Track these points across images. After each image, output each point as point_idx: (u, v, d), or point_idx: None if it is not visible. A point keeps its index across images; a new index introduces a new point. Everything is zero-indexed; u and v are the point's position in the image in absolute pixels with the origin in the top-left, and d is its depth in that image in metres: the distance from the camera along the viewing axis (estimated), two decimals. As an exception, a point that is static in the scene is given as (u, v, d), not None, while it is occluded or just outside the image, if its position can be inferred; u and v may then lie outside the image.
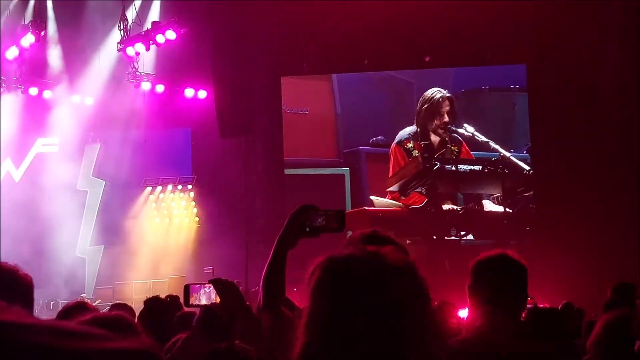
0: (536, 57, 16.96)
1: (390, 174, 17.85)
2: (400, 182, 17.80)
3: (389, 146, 17.99)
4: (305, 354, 1.70)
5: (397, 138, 17.86)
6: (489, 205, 17.60)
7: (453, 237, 17.32)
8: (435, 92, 17.69)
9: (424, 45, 17.02)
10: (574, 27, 16.18)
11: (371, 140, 18.28)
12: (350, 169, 18.42)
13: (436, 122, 17.67)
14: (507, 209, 17.32)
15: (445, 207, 17.61)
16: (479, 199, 17.65)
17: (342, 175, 18.42)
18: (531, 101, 17.31)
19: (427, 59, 17.34)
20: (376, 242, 2.47)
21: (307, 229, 2.83)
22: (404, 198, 17.71)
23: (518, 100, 18.37)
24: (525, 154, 17.80)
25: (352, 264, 1.72)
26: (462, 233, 17.29)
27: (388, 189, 17.83)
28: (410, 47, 16.97)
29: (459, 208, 17.63)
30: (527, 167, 17.46)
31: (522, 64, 17.48)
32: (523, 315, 3.84)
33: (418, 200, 17.60)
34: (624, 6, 15.89)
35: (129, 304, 6.17)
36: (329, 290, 1.70)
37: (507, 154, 17.39)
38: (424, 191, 17.58)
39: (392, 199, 17.82)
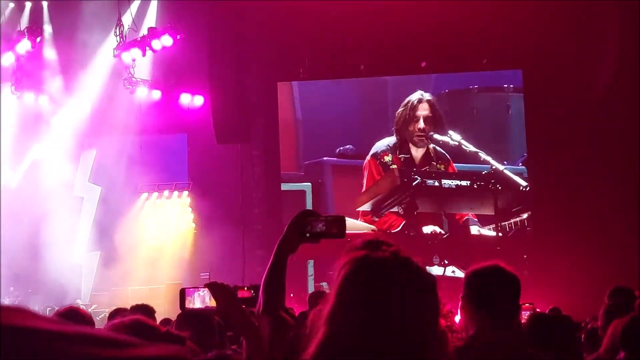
0: (532, 62, 16.95)
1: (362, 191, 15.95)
2: (373, 200, 15.86)
3: (360, 157, 16.20)
4: (325, 343, 1.81)
5: (373, 150, 16.14)
6: (476, 231, 15.84)
7: (436, 267, 15.19)
8: (414, 94, 16.17)
9: (421, 50, 17.00)
10: (571, 32, 16.17)
11: (338, 150, 16.40)
12: (312, 185, 16.48)
13: (411, 128, 15.99)
14: (500, 233, 15.75)
15: (427, 230, 15.75)
16: (466, 224, 15.78)
17: (303, 192, 16.56)
18: (527, 107, 17.20)
19: (424, 64, 17.30)
20: (379, 249, 2.49)
21: (307, 235, 2.86)
22: (377, 219, 15.95)
23: (513, 103, 16.79)
24: (521, 166, 16.15)
25: (385, 263, 1.91)
26: (447, 262, 15.34)
27: (359, 209, 16.00)
28: (406, 53, 16.94)
29: (443, 232, 15.72)
30: (523, 183, 15.86)
31: (518, 69, 17.42)
32: (523, 322, 3.90)
33: (395, 222, 15.88)
34: (621, 11, 15.91)
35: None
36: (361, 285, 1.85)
37: (500, 167, 15.75)
38: (401, 211, 15.78)
39: (365, 221, 15.92)
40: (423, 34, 16.47)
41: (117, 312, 6.11)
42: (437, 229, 15.66)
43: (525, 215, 16.02)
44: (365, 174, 16.06)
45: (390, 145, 16.13)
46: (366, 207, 15.84)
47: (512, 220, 16.31)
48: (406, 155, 16.00)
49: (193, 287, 3.62)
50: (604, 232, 15.58)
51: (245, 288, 3.50)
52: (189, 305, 3.58)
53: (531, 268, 16.20)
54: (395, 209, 15.85)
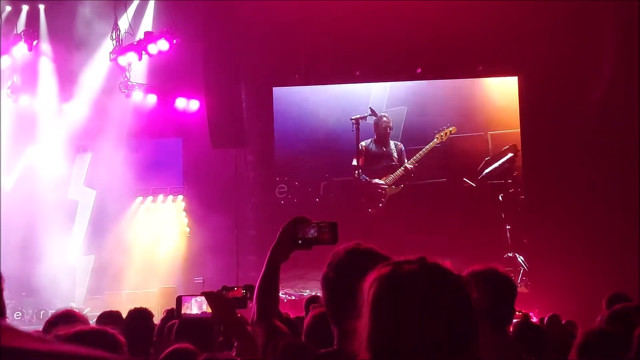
0: (529, 69, 16.99)
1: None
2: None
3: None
4: None
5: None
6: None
7: None
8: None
9: (416, 57, 17.04)
10: (567, 39, 16.21)
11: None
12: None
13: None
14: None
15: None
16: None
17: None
18: (522, 115, 17.25)
19: (419, 70, 17.35)
20: (361, 256, 2.49)
21: (300, 242, 2.84)
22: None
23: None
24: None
25: (416, 277, 1.81)
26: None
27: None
28: (402, 59, 16.99)
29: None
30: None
31: (514, 76, 17.47)
32: (511, 329, 3.91)
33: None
34: (618, 19, 15.95)
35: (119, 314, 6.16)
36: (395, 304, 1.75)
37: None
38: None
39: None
40: (419, 40, 16.50)
41: (106, 315, 6.09)
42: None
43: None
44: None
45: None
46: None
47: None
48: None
49: (190, 295, 3.62)
50: (602, 240, 15.61)
51: (235, 288, 3.51)
52: (185, 311, 3.59)
53: (530, 275, 16.39)
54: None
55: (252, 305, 2.90)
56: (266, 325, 2.76)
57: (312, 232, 2.83)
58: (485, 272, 3.25)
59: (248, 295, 3.47)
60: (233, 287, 3.53)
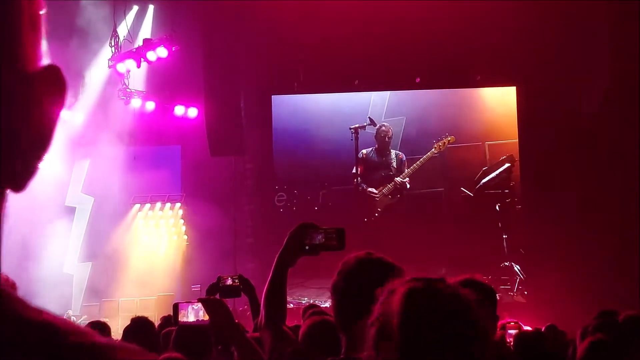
0: (526, 79, 17.02)
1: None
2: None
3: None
4: None
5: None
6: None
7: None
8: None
9: (415, 66, 17.08)
10: (565, 49, 16.26)
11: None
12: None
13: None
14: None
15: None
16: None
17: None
18: (520, 125, 17.28)
19: (418, 80, 17.37)
20: (371, 265, 2.50)
21: (307, 247, 2.83)
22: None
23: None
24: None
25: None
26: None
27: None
28: (400, 68, 17.01)
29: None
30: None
31: (512, 86, 17.50)
32: (510, 341, 3.94)
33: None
34: (614, 31, 15.99)
35: (116, 321, 6.15)
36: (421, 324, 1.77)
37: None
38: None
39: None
40: (418, 50, 16.54)
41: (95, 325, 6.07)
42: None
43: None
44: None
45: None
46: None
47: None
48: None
49: (186, 302, 3.62)
50: (599, 249, 15.60)
51: (230, 277, 3.52)
52: (182, 319, 3.58)
53: (527, 285, 16.42)
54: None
55: (260, 310, 2.90)
56: (273, 331, 2.76)
57: (319, 238, 2.83)
58: (463, 283, 3.27)
59: (240, 284, 3.50)
60: (227, 277, 3.55)
